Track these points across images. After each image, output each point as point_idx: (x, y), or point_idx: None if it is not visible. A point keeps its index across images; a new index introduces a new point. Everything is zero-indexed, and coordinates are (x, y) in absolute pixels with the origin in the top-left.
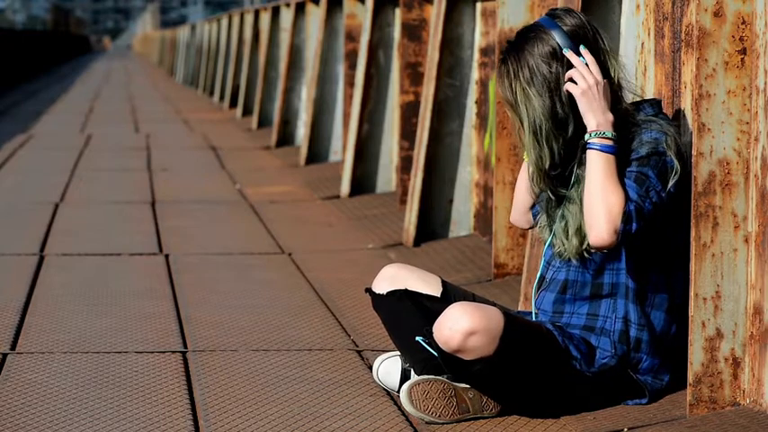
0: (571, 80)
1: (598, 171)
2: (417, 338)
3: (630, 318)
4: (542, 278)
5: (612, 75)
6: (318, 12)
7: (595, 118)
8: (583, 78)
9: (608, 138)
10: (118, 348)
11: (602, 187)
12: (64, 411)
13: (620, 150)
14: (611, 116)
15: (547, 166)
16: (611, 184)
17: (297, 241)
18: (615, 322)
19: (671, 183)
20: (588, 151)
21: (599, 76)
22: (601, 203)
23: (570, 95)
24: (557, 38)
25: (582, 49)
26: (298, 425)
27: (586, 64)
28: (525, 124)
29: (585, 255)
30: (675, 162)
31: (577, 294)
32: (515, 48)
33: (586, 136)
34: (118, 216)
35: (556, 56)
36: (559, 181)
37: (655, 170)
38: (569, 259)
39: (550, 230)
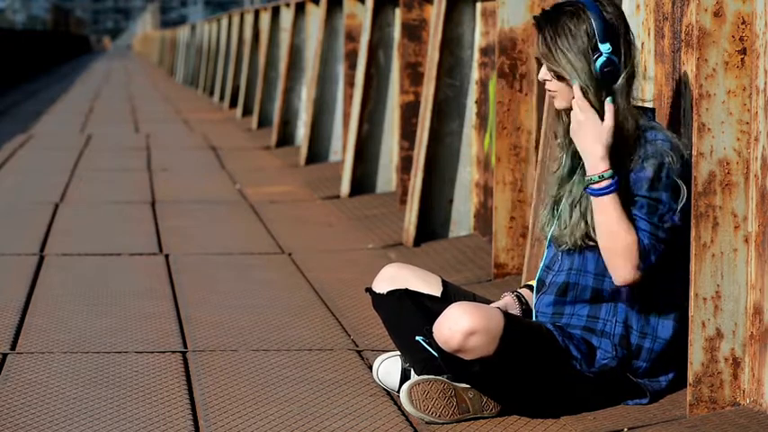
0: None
1: (605, 216)
2: (417, 338)
3: (632, 324)
4: (542, 282)
5: (630, 68)
6: (318, 12)
7: (588, 160)
8: (580, 111)
9: (604, 178)
10: (118, 348)
11: (614, 231)
12: (64, 411)
13: (623, 163)
14: (601, 151)
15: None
16: (621, 226)
17: (297, 241)
18: (615, 326)
19: (680, 205)
20: (591, 197)
21: (593, 114)
22: (617, 248)
23: (603, 69)
24: (593, 21)
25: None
26: (298, 425)
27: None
28: (578, 84)
29: (582, 244)
30: (681, 183)
31: (578, 297)
32: (552, 18)
33: (585, 180)
34: (118, 216)
35: (589, 36)
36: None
37: (667, 191)
38: (570, 251)
39: (554, 214)
